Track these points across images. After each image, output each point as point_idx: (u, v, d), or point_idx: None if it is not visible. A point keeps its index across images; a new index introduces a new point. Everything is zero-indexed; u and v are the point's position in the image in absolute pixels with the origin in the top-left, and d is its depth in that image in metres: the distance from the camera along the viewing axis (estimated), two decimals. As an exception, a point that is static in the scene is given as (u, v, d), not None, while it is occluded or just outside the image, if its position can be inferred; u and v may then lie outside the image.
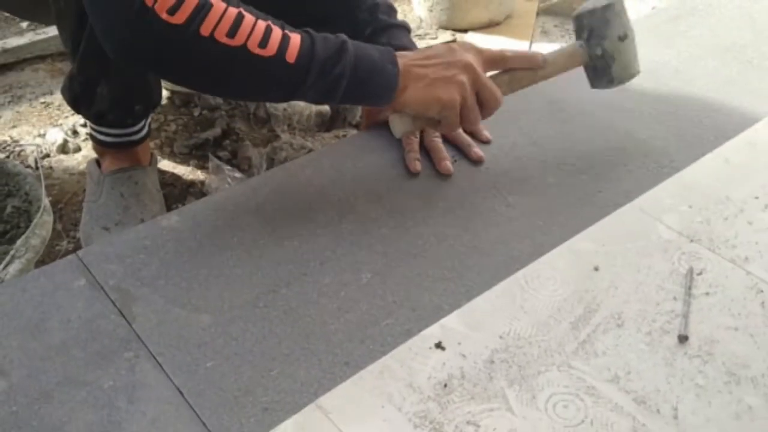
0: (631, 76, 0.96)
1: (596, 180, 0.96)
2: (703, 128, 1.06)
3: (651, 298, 0.78)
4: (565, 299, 0.78)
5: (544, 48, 1.81)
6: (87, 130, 1.40)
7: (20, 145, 1.43)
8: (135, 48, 0.79)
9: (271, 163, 1.35)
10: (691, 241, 0.85)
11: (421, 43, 1.84)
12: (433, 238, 0.87)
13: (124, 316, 0.76)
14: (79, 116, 1.40)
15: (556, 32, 1.93)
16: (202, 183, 1.32)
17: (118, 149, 1.21)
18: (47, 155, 1.40)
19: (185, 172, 1.35)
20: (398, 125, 0.91)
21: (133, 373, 0.70)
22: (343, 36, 0.85)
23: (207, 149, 1.38)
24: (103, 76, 1.11)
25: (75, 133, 1.45)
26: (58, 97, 1.56)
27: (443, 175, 0.96)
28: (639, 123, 1.04)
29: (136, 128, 1.21)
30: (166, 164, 1.36)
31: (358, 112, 1.48)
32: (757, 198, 0.91)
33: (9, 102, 1.57)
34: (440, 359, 0.71)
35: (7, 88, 1.61)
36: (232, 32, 0.77)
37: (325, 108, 1.49)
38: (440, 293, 0.79)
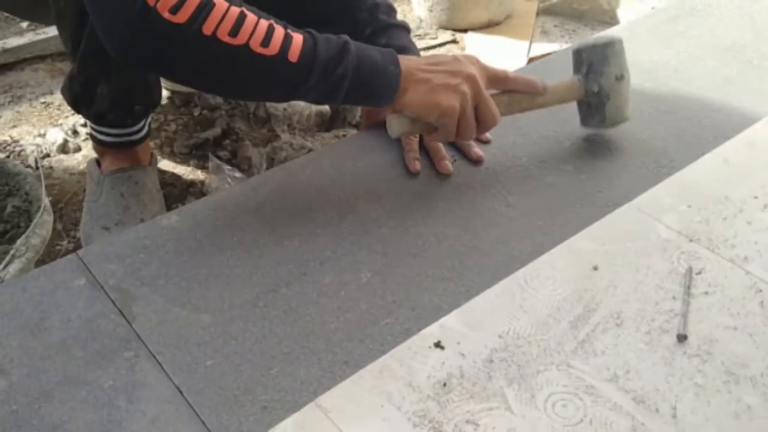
0: (623, 119, 0.98)
1: (596, 180, 0.96)
2: (702, 128, 1.06)
3: (650, 298, 0.78)
4: (564, 299, 0.78)
5: (544, 48, 1.82)
6: (87, 130, 1.41)
7: (20, 145, 1.43)
8: (136, 47, 0.79)
9: (271, 162, 1.35)
10: (691, 240, 0.85)
11: (420, 43, 1.84)
12: (433, 237, 0.87)
13: (124, 316, 0.76)
14: (79, 116, 1.40)
15: (555, 32, 1.93)
16: (202, 183, 1.32)
17: (118, 149, 1.22)
18: (47, 155, 1.40)
19: (185, 171, 1.36)
20: (396, 126, 0.91)
21: (133, 373, 0.71)
22: (346, 37, 0.85)
23: (207, 149, 1.39)
24: (104, 76, 1.11)
25: (75, 133, 1.45)
26: (58, 97, 1.56)
27: (443, 175, 0.96)
28: (638, 123, 1.04)
29: (136, 128, 1.21)
30: (166, 164, 1.37)
31: (357, 112, 1.48)
32: (756, 198, 0.91)
33: (9, 102, 1.57)
34: (439, 358, 0.71)
35: (7, 88, 1.61)
36: (234, 31, 0.77)
37: (325, 108, 1.49)
38: (440, 293, 0.79)
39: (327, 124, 1.49)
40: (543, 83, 0.95)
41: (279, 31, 0.80)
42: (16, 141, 1.44)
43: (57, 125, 1.48)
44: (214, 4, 0.77)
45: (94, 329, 0.75)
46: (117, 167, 1.20)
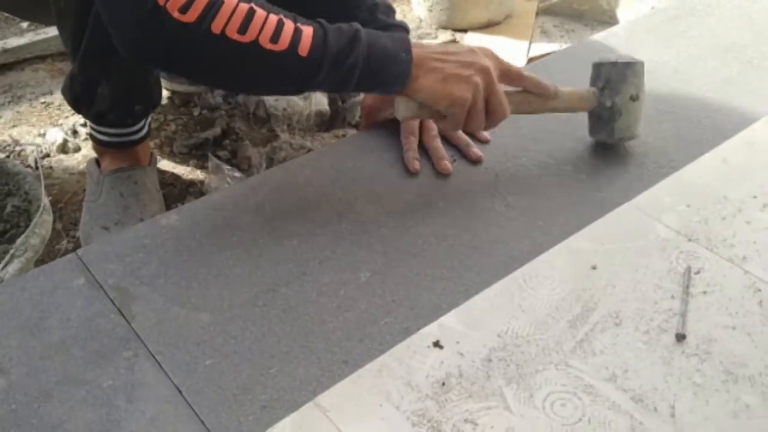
0: (630, 137, 0.98)
1: (595, 180, 0.96)
2: (702, 128, 1.06)
3: (649, 297, 0.78)
4: (563, 298, 0.78)
5: (544, 48, 1.82)
6: (87, 129, 1.41)
7: (20, 145, 1.43)
8: (148, 47, 0.79)
9: (271, 162, 1.35)
10: (689, 240, 0.85)
11: (420, 43, 1.84)
12: (432, 237, 0.87)
13: (123, 315, 0.76)
14: (79, 116, 1.40)
15: (555, 32, 1.93)
16: (202, 183, 1.32)
17: (118, 149, 1.22)
18: (47, 155, 1.40)
19: (185, 171, 1.36)
20: (403, 108, 0.90)
21: (132, 372, 0.71)
22: (357, 25, 0.85)
23: (207, 149, 1.39)
24: (104, 75, 1.11)
25: (75, 132, 1.45)
26: (58, 97, 1.56)
27: (442, 175, 0.97)
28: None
29: (136, 128, 1.21)
30: (165, 164, 1.37)
31: (357, 112, 1.48)
32: (755, 197, 0.91)
33: (9, 102, 1.57)
34: (438, 358, 0.71)
35: (7, 88, 1.61)
36: (243, 28, 0.78)
37: (325, 108, 1.49)
38: (439, 292, 0.79)
39: (326, 124, 1.49)
40: (555, 88, 0.95)
41: (288, 26, 0.80)
42: (16, 141, 1.44)
43: (57, 125, 1.48)
44: (222, 2, 0.77)
45: (94, 329, 0.75)
46: (116, 167, 1.21)
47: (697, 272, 0.81)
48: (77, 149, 1.41)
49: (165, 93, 1.49)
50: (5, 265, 0.92)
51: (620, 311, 0.76)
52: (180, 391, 0.69)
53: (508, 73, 0.92)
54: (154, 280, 0.80)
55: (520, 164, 0.99)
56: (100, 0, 0.80)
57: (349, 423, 0.65)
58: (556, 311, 0.76)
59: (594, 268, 0.81)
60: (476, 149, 1.00)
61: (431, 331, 0.74)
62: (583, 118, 1.00)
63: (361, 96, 1.40)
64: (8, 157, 1.39)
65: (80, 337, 0.74)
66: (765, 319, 0.75)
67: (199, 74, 0.86)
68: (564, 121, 1.04)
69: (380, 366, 0.71)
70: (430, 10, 1.94)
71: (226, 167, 1.31)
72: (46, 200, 1.03)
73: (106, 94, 1.13)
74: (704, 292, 0.79)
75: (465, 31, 1.93)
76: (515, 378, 0.69)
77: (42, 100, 1.57)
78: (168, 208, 1.23)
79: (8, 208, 1.06)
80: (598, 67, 0.97)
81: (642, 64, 0.97)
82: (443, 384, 0.69)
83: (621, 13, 1.97)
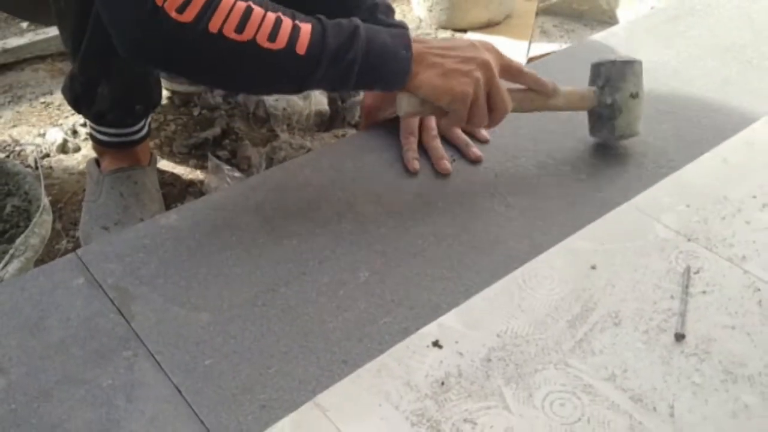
0: (631, 134, 0.98)
1: (595, 180, 0.96)
2: (701, 128, 1.06)
3: (648, 297, 0.78)
4: (562, 298, 0.78)
5: (543, 48, 1.82)
6: (87, 129, 1.41)
7: (20, 145, 1.43)
8: (147, 47, 0.79)
9: (271, 162, 1.35)
10: (689, 240, 0.85)
11: (420, 43, 1.84)
12: (432, 237, 0.87)
13: (122, 315, 0.76)
14: (79, 116, 1.40)
15: (555, 32, 1.93)
16: (202, 182, 1.32)
17: (118, 149, 1.22)
18: (47, 155, 1.40)
19: (184, 171, 1.36)
20: (405, 104, 0.90)
21: (131, 372, 0.71)
22: (357, 20, 0.85)
23: (206, 149, 1.39)
24: (104, 75, 1.12)
25: (75, 132, 1.45)
26: (58, 97, 1.56)
27: (442, 175, 0.97)
28: (637, 122, 1.04)
29: (136, 128, 1.21)
30: (165, 164, 1.37)
31: (357, 112, 1.48)
32: (754, 197, 0.91)
33: (9, 102, 1.57)
34: (437, 357, 0.71)
35: (7, 88, 1.61)
36: (241, 27, 0.78)
37: (325, 108, 1.49)
38: (438, 292, 0.79)
39: (326, 124, 1.49)
40: (554, 86, 0.94)
41: (287, 24, 0.80)
42: (16, 141, 1.44)
43: (57, 125, 1.48)
44: (219, 1, 0.77)
45: (93, 328, 0.75)
46: (116, 167, 1.21)
47: (697, 272, 0.81)
48: (77, 149, 1.42)
49: (165, 93, 1.49)
50: (5, 265, 0.92)
51: (619, 311, 0.76)
52: (179, 391, 0.69)
53: (509, 69, 0.92)
54: (154, 279, 0.80)
55: (519, 164, 0.99)
56: (100, 0, 0.80)
57: (348, 423, 0.65)
58: (556, 311, 0.76)
59: (593, 268, 0.82)
60: (476, 149, 1.00)
61: (430, 330, 0.74)
62: (582, 118, 1.00)
63: (361, 96, 1.40)
64: (8, 157, 1.40)
65: (80, 337, 0.74)
66: (764, 318, 0.75)
67: (197, 74, 0.86)
68: (564, 121, 1.04)
69: (379, 366, 0.71)
70: (430, 10, 1.94)
71: (226, 167, 1.32)
72: (45, 200, 1.03)
73: (106, 94, 1.14)
74: (703, 292, 0.79)
75: (465, 31, 1.93)
76: (514, 378, 0.69)
77: (42, 100, 1.58)
78: (168, 208, 1.23)
79: (8, 208, 1.06)
80: (598, 67, 0.98)
81: (640, 63, 0.97)
82: (442, 384, 0.69)
83: (621, 13, 1.97)
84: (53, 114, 1.53)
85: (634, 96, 0.95)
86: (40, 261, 1.01)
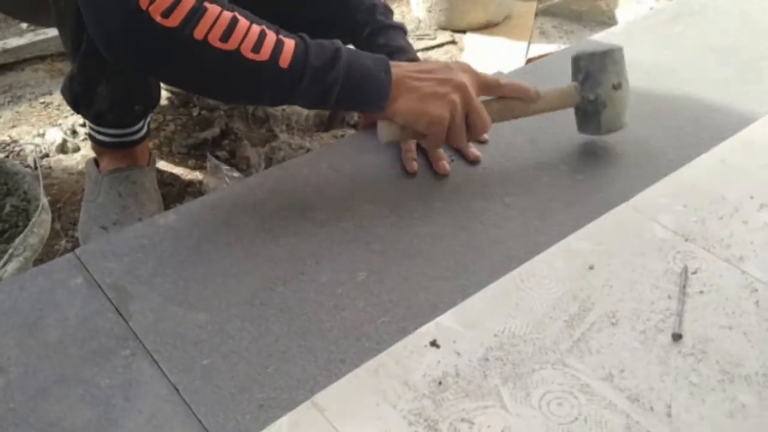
0: (619, 127, 0.97)
1: (593, 180, 0.96)
2: (699, 129, 1.06)
3: (645, 297, 0.78)
4: (560, 298, 0.78)
5: (542, 49, 1.82)
6: (86, 130, 1.41)
7: (20, 145, 1.43)
8: (129, 50, 0.79)
9: (270, 162, 1.35)
10: (686, 240, 0.85)
11: (419, 44, 1.85)
12: (430, 237, 0.87)
13: (121, 314, 0.76)
14: (79, 116, 1.41)
15: (554, 33, 1.94)
16: (201, 183, 1.32)
17: (117, 149, 1.22)
18: (46, 155, 1.40)
19: (183, 171, 1.36)
20: (386, 132, 0.92)
21: (129, 371, 0.71)
22: (338, 42, 0.86)
23: (205, 149, 1.39)
24: (104, 76, 1.12)
25: (74, 133, 1.45)
26: (57, 97, 1.56)
27: (440, 175, 0.97)
28: (636, 123, 1.04)
29: (135, 128, 1.22)
30: (164, 164, 1.37)
31: (356, 112, 1.48)
32: (752, 198, 0.92)
33: (9, 102, 1.57)
34: (435, 357, 0.71)
35: (6, 88, 1.62)
36: (226, 36, 0.78)
37: (324, 108, 1.49)
38: (436, 292, 0.80)
39: (325, 124, 1.49)
40: (536, 90, 0.95)
41: (271, 37, 0.80)
42: (16, 141, 1.45)
43: (56, 125, 1.48)
44: (206, 9, 0.77)
45: (91, 328, 0.75)
46: (115, 167, 1.21)
47: (694, 272, 0.81)
48: (76, 149, 1.42)
49: (164, 93, 1.49)
50: (4, 265, 0.92)
51: (617, 311, 0.77)
52: (177, 390, 0.69)
53: (487, 85, 0.93)
54: (152, 279, 0.81)
55: (517, 164, 0.99)
56: (82, 1, 0.80)
57: (345, 422, 0.66)
58: (553, 311, 0.77)
59: (591, 268, 0.82)
60: (474, 149, 1.00)
61: (428, 330, 0.74)
62: (580, 118, 1.00)
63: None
64: (7, 156, 1.40)
65: (78, 336, 0.74)
66: (761, 319, 0.76)
67: (180, 80, 0.86)
68: (562, 121, 1.04)
69: (377, 365, 0.71)
70: (429, 11, 1.95)
71: (225, 167, 1.32)
72: (44, 200, 1.03)
73: (106, 94, 1.14)
74: (701, 292, 0.79)
75: (464, 31, 1.94)
76: (512, 377, 0.70)
77: (41, 100, 1.58)
78: (167, 208, 1.23)
79: (7, 208, 1.06)
80: (577, 60, 0.96)
81: (621, 50, 0.95)
82: (440, 383, 0.69)
83: (620, 13, 1.97)
84: (53, 114, 1.53)
85: (617, 87, 0.94)
86: (39, 260, 1.01)
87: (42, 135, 1.45)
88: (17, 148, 1.42)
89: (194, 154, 1.39)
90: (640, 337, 0.74)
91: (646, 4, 1.95)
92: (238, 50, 0.79)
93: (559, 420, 0.66)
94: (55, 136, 1.43)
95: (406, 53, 1.04)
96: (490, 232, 0.88)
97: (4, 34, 1.74)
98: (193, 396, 0.68)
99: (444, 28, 1.95)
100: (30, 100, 1.58)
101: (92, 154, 1.28)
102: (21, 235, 0.96)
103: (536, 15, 2.01)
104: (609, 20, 1.96)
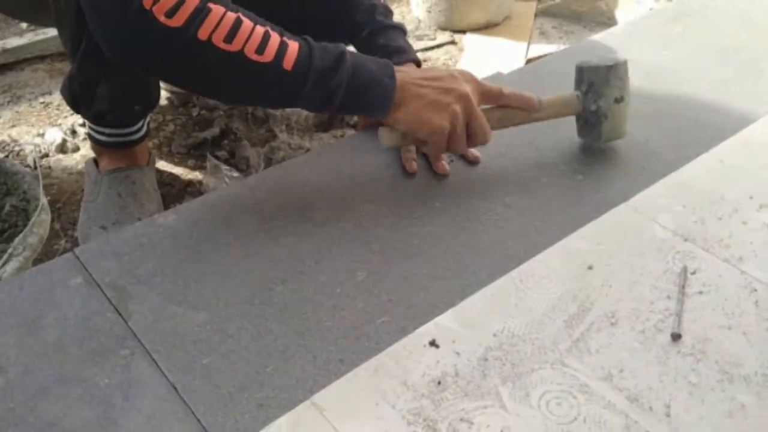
0: (618, 136, 0.98)
1: (592, 180, 0.96)
2: (699, 129, 1.06)
3: (645, 297, 0.78)
4: (559, 298, 0.78)
5: (542, 49, 1.82)
6: (86, 129, 1.41)
7: (19, 145, 1.43)
8: (132, 49, 0.79)
9: (269, 162, 1.35)
10: (686, 240, 0.85)
11: (419, 45, 1.85)
12: (429, 237, 0.87)
13: (120, 314, 0.76)
14: (78, 116, 1.41)
15: (554, 34, 1.94)
16: (200, 183, 1.32)
17: (116, 149, 1.22)
18: (46, 155, 1.40)
19: (183, 171, 1.36)
20: (387, 138, 0.93)
21: (128, 371, 0.71)
22: (342, 46, 0.86)
23: (205, 149, 1.39)
24: (103, 75, 1.12)
25: (74, 132, 1.45)
26: (57, 97, 1.56)
27: (440, 175, 0.97)
28: (635, 123, 1.04)
29: (134, 128, 1.22)
30: (164, 164, 1.37)
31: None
32: (751, 198, 0.92)
33: (8, 102, 1.57)
34: (434, 357, 0.71)
35: (6, 88, 1.62)
36: (230, 37, 0.78)
37: (323, 108, 1.49)
38: (435, 292, 0.80)
39: (325, 124, 1.50)
40: (538, 99, 0.95)
41: (275, 39, 0.80)
42: (15, 141, 1.45)
43: (56, 125, 1.48)
44: (210, 10, 0.77)
45: (91, 327, 0.75)
46: (114, 167, 1.21)
47: (693, 272, 0.81)
48: (76, 149, 1.42)
49: (164, 93, 1.49)
50: (3, 264, 0.92)
51: (616, 311, 0.77)
52: (176, 390, 0.69)
53: (489, 95, 0.93)
54: (151, 278, 0.81)
55: (517, 164, 0.99)
56: (85, 1, 0.80)
57: (345, 422, 0.66)
58: (552, 311, 0.77)
59: (590, 268, 0.82)
60: (474, 150, 1.00)
61: (427, 330, 0.74)
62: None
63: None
64: (7, 156, 1.40)
65: (77, 336, 0.74)
66: (761, 319, 0.76)
67: (183, 80, 0.86)
68: (561, 122, 1.04)
69: (376, 365, 0.71)
70: (429, 11, 1.95)
71: (225, 167, 1.32)
72: (44, 200, 1.03)
73: (105, 94, 1.14)
74: (700, 292, 0.79)
75: (464, 32, 1.94)
76: (511, 377, 0.70)
77: (41, 100, 1.58)
78: (166, 208, 1.23)
79: (6, 208, 1.06)
80: (581, 71, 0.97)
81: (625, 63, 0.96)
82: (439, 383, 0.69)
83: (619, 14, 1.97)
84: (52, 114, 1.53)
85: (619, 100, 0.95)
86: (38, 260, 1.01)
87: (42, 135, 1.45)
88: (17, 148, 1.42)
89: (194, 154, 1.39)
90: (639, 337, 0.74)
91: (645, 5, 1.95)
92: (241, 51, 0.79)
93: (558, 420, 0.66)
94: (54, 135, 1.43)
95: (405, 53, 1.04)
96: (490, 232, 0.88)
97: (4, 34, 1.74)
98: (192, 395, 0.68)
99: (444, 29, 1.95)
100: (30, 100, 1.58)
101: (92, 154, 1.28)
102: (20, 235, 0.96)
103: (536, 15, 2.01)
104: (609, 21, 1.96)
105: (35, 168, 1.34)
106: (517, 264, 0.82)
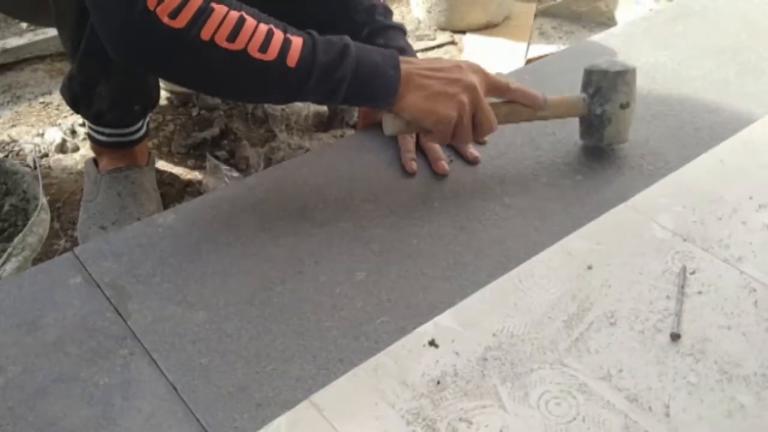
0: (621, 141, 0.99)
1: (592, 180, 0.96)
2: (698, 129, 1.06)
3: (644, 297, 0.78)
4: (558, 298, 0.78)
5: (542, 50, 1.82)
6: (85, 129, 1.41)
7: (19, 145, 1.43)
8: (136, 50, 0.79)
9: (269, 162, 1.35)
10: (685, 240, 0.85)
11: (419, 45, 1.85)
12: (429, 237, 0.87)
13: (119, 314, 0.76)
14: (78, 116, 1.41)
15: (554, 34, 1.94)
16: (200, 182, 1.32)
17: (116, 149, 1.22)
18: (46, 155, 1.40)
19: (183, 171, 1.36)
20: (390, 125, 0.92)
21: (128, 370, 0.71)
22: (347, 38, 0.86)
23: (205, 149, 1.39)
24: (103, 75, 1.12)
25: (73, 132, 1.45)
26: (56, 97, 1.56)
27: (439, 175, 0.97)
28: (636, 123, 1.04)
29: (134, 128, 1.22)
30: (163, 164, 1.37)
31: (355, 112, 1.48)
32: (751, 198, 0.92)
33: (8, 102, 1.57)
34: (434, 357, 0.71)
35: (6, 88, 1.62)
36: (233, 36, 0.78)
37: (323, 108, 1.49)
38: (435, 292, 0.80)
39: (325, 124, 1.50)
40: (544, 97, 0.95)
41: (278, 36, 0.80)
42: (15, 141, 1.44)
43: (55, 125, 1.48)
44: (213, 9, 0.77)
45: (90, 327, 0.75)
46: (114, 167, 1.21)
47: (693, 272, 0.81)
48: (76, 149, 1.42)
49: (163, 93, 1.49)
50: (3, 263, 0.92)
51: (615, 311, 0.77)
52: (176, 389, 0.69)
53: (496, 87, 0.93)
54: (151, 278, 0.81)
55: (517, 165, 0.99)
56: (90, 1, 0.80)
57: (344, 421, 0.66)
58: (552, 311, 0.77)
59: (590, 268, 0.82)
60: (473, 150, 1.00)
61: (427, 330, 0.74)
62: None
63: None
64: (7, 156, 1.40)
65: (76, 335, 0.74)
66: (760, 319, 0.76)
67: (187, 80, 0.86)
68: (561, 122, 1.04)
69: (376, 365, 0.71)
70: (429, 12, 1.95)
71: (224, 167, 1.32)
72: (44, 199, 1.03)
73: (105, 94, 1.14)
74: (699, 292, 0.79)
75: (463, 32, 1.94)
76: (510, 377, 0.70)
77: (41, 100, 1.58)
78: (166, 207, 1.23)
79: (6, 207, 1.06)
80: (589, 74, 0.97)
81: (634, 70, 0.96)
82: (438, 383, 0.69)
83: (619, 14, 1.97)
84: (52, 114, 1.53)
85: (625, 106, 0.95)
86: (37, 260, 1.01)
87: (41, 135, 1.45)
88: (17, 148, 1.42)
89: (193, 154, 1.39)
90: (638, 337, 0.74)
91: (645, 5, 1.95)
92: (245, 50, 0.79)
93: (558, 420, 0.66)
94: (54, 135, 1.43)
95: (405, 54, 1.04)
96: (489, 232, 0.88)
97: (3, 34, 1.74)
98: (192, 395, 0.68)
99: (444, 29, 1.95)
100: (29, 99, 1.58)
101: (91, 154, 1.28)
102: (20, 235, 0.96)
103: (536, 16, 2.00)
104: (608, 21, 1.96)
105: (35, 168, 1.34)
106: (517, 264, 0.82)
